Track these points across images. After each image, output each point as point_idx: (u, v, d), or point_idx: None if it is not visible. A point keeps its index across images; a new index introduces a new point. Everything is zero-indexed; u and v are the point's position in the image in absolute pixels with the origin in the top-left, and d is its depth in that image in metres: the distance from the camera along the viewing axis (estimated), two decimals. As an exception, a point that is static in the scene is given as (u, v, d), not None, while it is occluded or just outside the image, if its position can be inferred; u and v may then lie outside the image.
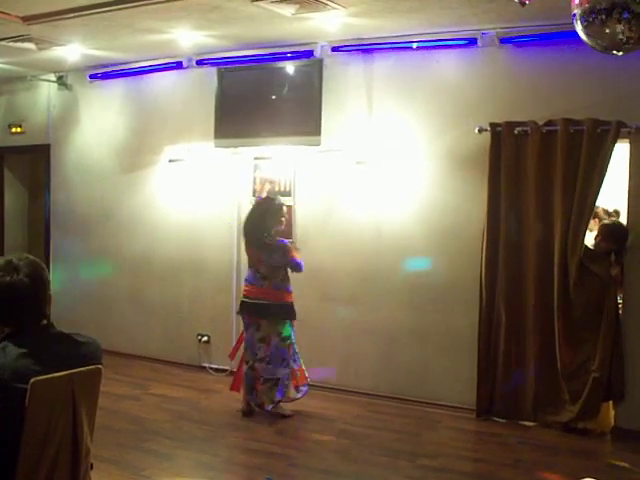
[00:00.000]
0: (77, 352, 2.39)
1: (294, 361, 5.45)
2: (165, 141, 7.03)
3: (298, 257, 5.45)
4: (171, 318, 7.11)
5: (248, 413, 5.46)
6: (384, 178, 5.97)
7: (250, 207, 5.81)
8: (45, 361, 2.24)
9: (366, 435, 5.13)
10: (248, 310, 5.44)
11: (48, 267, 8.01)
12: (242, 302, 5.51)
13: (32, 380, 2.15)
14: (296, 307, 5.46)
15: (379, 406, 5.81)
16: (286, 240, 5.56)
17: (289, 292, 5.47)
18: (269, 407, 5.37)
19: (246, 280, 5.56)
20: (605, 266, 5.15)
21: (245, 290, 5.53)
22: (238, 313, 5.61)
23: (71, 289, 7.76)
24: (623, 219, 5.39)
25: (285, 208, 5.61)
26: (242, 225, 5.68)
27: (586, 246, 5.18)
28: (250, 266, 5.51)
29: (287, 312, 5.44)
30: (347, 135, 6.11)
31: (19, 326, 2.30)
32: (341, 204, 6.18)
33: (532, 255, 5.28)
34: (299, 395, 5.50)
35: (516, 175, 5.32)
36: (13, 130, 8.14)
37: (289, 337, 5.41)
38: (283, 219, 5.55)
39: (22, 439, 2.15)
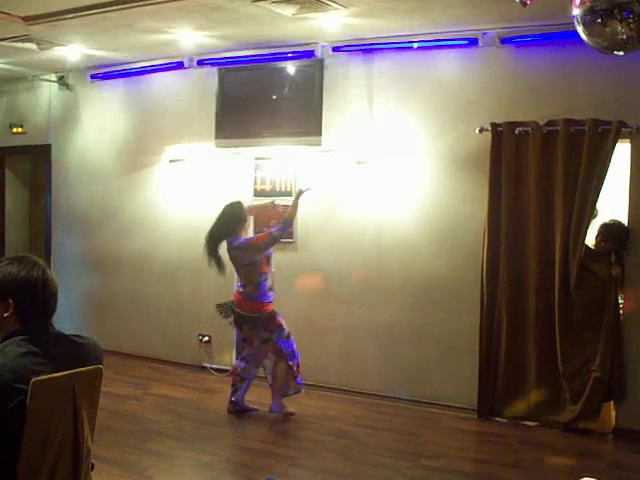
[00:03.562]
0: (77, 352, 2.40)
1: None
2: (166, 141, 7.03)
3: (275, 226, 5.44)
4: (172, 318, 7.11)
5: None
6: (385, 178, 5.97)
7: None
8: (45, 361, 2.24)
9: (367, 435, 5.13)
10: (234, 316, 5.48)
11: (49, 267, 7.99)
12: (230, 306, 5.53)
13: (32, 380, 2.15)
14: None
15: (380, 406, 5.81)
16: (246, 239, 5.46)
17: (263, 303, 5.37)
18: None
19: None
20: (606, 266, 5.16)
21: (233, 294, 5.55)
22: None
23: (72, 289, 7.76)
24: (601, 219, 5.37)
25: (245, 206, 5.57)
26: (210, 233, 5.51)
27: (587, 246, 5.17)
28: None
29: (260, 324, 5.38)
30: (348, 135, 6.11)
31: (25, 323, 2.30)
32: (342, 204, 6.18)
33: (533, 255, 5.28)
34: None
35: (517, 175, 5.32)
36: (14, 130, 8.13)
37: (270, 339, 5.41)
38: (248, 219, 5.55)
39: (23, 440, 2.15)
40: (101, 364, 2.46)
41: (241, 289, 5.42)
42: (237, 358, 5.61)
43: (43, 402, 2.19)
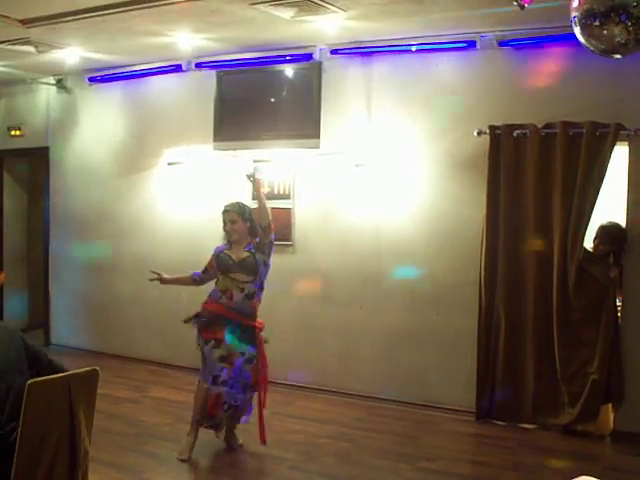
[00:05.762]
0: None
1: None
2: (164, 144, 7.03)
3: None
4: (171, 321, 7.08)
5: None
6: (383, 181, 5.97)
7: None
8: None
9: (366, 438, 5.12)
10: None
11: (47, 270, 8.03)
12: None
13: (29, 382, 2.16)
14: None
15: (379, 409, 5.80)
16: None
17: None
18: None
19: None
20: (604, 268, 5.16)
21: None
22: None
23: (70, 291, 7.76)
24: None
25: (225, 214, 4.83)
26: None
27: (585, 249, 5.18)
28: None
29: None
30: (346, 138, 6.11)
31: None
32: (340, 207, 6.18)
33: (531, 258, 5.28)
34: None
35: (515, 178, 5.32)
36: (12, 133, 8.13)
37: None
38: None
39: (19, 441, 2.15)
40: (24, 340, 2.71)
41: None
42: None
43: (39, 402, 2.20)
